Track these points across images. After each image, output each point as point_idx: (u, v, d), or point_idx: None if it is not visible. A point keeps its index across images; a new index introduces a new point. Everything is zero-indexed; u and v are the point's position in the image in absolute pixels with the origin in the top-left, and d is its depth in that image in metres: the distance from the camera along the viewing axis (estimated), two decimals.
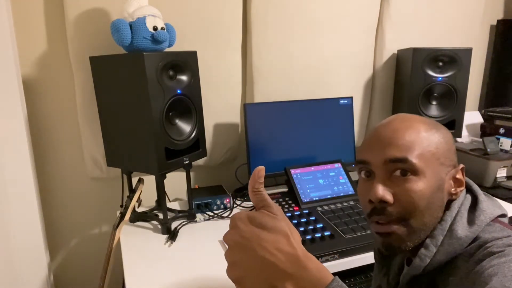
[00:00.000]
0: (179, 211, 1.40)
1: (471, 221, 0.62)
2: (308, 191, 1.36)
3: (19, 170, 1.27)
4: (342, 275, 1.16)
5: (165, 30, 1.22)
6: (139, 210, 1.42)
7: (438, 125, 0.66)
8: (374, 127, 0.68)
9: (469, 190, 0.68)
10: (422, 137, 0.62)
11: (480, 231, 0.60)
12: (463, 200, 0.65)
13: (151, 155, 1.18)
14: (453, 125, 1.71)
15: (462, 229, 0.61)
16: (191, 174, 1.65)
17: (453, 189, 0.65)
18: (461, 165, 0.67)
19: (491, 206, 0.64)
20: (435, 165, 0.62)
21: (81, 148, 1.46)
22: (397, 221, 0.62)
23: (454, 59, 1.66)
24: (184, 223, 1.34)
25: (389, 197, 0.62)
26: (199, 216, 1.40)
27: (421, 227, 0.62)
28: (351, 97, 1.68)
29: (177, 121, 1.26)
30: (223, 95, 1.58)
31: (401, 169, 0.61)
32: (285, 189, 1.46)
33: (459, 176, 0.66)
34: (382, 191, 0.62)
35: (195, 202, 1.41)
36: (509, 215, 1.40)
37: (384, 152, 0.63)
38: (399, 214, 0.62)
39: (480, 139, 1.81)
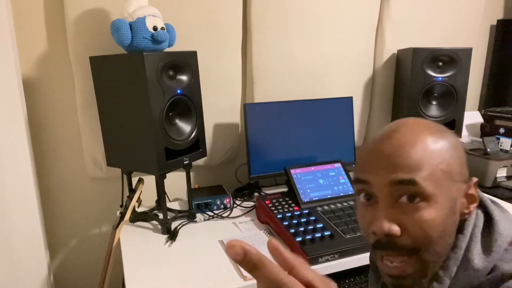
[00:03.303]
0: (179, 211, 1.40)
1: (487, 247, 0.54)
2: (308, 191, 1.36)
3: (19, 170, 1.26)
4: (342, 275, 1.16)
5: (165, 30, 1.22)
6: (139, 210, 1.42)
7: (446, 132, 0.57)
8: (374, 139, 0.58)
9: (479, 204, 0.60)
10: (431, 152, 0.53)
11: (498, 260, 0.53)
12: (476, 220, 0.57)
13: (151, 155, 1.18)
14: (453, 125, 1.71)
15: (479, 259, 0.53)
16: (191, 174, 1.65)
17: (465, 209, 0.57)
18: (474, 179, 0.58)
19: (507, 225, 0.56)
20: (447, 185, 0.53)
21: (81, 148, 1.46)
22: (407, 255, 0.54)
23: (454, 59, 1.66)
24: (184, 223, 1.34)
25: (396, 229, 0.53)
26: (199, 216, 1.40)
27: (435, 259, 0.55)
28: (351, 97, 1.68)
29: (177, 121, 1.26)
30: (223, 95, 1.58)
31: (409, 193, 0.53)
32: (285, 189, 1.46)
33: (471, 191, 0.57)
34: (388, 224, 0.53)
35: (195, 202, 1.41)
36: None
37: (388, 173, 0.53)
38: (408, 247, 0.54)
39: (480, 139, 1.81)
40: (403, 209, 0.53)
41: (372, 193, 0.57)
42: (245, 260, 0.34)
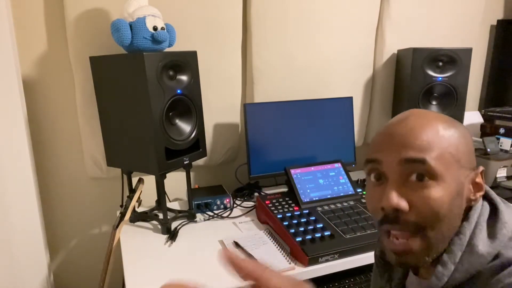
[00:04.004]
0: (179, 211, 1.40)
1: (492, 235, 0.56)
2: (308, 191, 1.36)
3: (19, 170, 1.26)
4: (342, 275, 1.16)
5: (165, 30, 1.22)
6: (139, 210, 1.42)
7: (457, 123, 0.60)
8: (386, 124, 0.61)
9: (485, 197, 0.62)
10: (441, 137, 0.56)
11: (502, 247, 0.54)
12: (481, 210, 0.59)
13: (151, 155, 1.18)
14: None
15: (483, 245, 0.55)
16: (191, 174, 1.65)
17: (472, 195, 0.59)
18: (481, 168, 0.60)
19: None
20: (455, 168, 0.56)
21: (81, 148, 1.46)
22: (413, 231, 0.56)
23: (454, 59, 1.66)
24: (184, 223, 1.34)
25: (404, 204, 0.55)
26: (199, 216, 1.40)
27: (439, 239, 0.56)
28: (351, 97, 1.68)
29: (177, 121, 1.26)
30: (223, 95, 1.58)
31: (418, 172, 0.55)
32: (285, 189, 1.46)
33: (478, 180, 0.59)
34: (397, 198, 0.55)
35: (195, 202, 1.41)
36: None
37: (399, 152, 0.56)
38: (415, 224, 0.55)
39: (480, 139, 1.80)
40: (412, 187, 0.55)
41: (382, 172, 0.58)
42: (231, 263, 0.41)
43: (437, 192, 0.54)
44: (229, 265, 0.41)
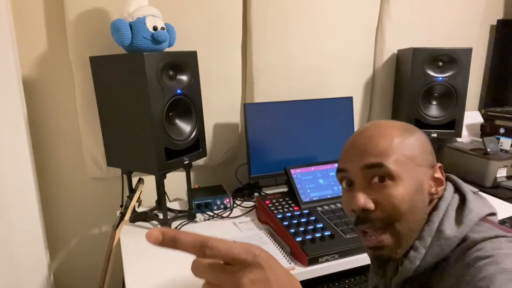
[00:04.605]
0: (179, 211, 1.40)
1: (459, 220, 0.62)
2: (308, 191, 1.36)
3: (19, 170, 1.26)
4: (342, 275, 1.16)
5: (165, 30, 1.22)
6: (139, 210, 1.42)
7: (411, 128, 0.68)
8: (351, 136, 0.70)
9: (457, 189, 0.68)
10: (397, 142, 0.64)
11: (469, 231, 0.60)
12: (451, 200, 0.65)
13: (151, 155, 1.18)
14: (453, 125, 1.71)
15: (450, 229, 0.61)
16: (191, 174, 1.65)
17: (433, 189, 0.65)
18: (439, 164, 0.67)
19: (479, 205, 0.64)
20: (411, 168, 0.63)
21: (81, 148, 1.46)
22: (383, 228, 0.63)
23: (454, 59, 1.66)
24: (184, 223, 1.34)
25: (370, 204, 0.62)
26: (199, 216, 1.40)
27: (407, 232, 0.63)
28: (351, 97, 1.68)
29: (177, 121, 1.26)
30: (223, 95, 1.58)
31: (379, 175, 0.62)
32: (285, 189, 1.46)
33: (437, 175, 0.66)
34: (363, 199, 0.63)
35: (195, 202, 1.41)
36: (507, 215, 1.40)
37: (360, 159, 0.64)
38: (383, 220, 0.62)
39: (480, 139, 1.81)
40: (376, 188, 0.63)
41: (350, 179, 0.67)
42: (164, 239, 0.36)
43: (397, 190, 0.61)
44: (163, 243, 0.37)
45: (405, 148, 0.64)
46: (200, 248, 0.37)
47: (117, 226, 1.26)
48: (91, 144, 1.42)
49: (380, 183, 0.62)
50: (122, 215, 1.27)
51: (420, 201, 0.63)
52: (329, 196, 1.36)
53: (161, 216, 1.32)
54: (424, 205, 0.64)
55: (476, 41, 2.02)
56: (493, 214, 0.66)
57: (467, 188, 0.68)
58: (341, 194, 1.37)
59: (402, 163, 0.62)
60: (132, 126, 1.21)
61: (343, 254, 1.10)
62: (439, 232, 0.62)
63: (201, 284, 0.44)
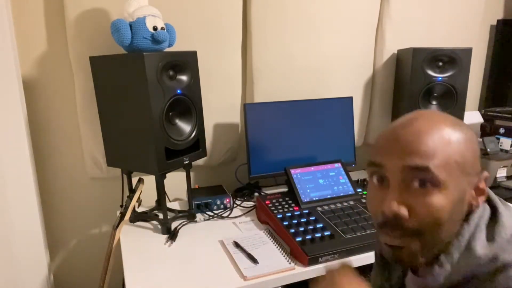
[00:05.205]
0: (179, 211, 1.40)
1: (490, 237, 0.55)
2: (308, 191, 1.36)
3: (19, 170, 1.26)
4: None
5: (165, 30, 1.22)
6: (139, 210, 1.42)
7: (463, 126, 0.58)
8: (392, 126, 0.60)
9: (486, 199, 0.61)
10: (447, 143, 0.54)
11: (499, 250, 0.53)
12: (482, 212, 0.58)
13: (151, 155, 1.18)
14: None
15: (481, 247, 0.54)
16: (191, 174, 1.65)
17: (474, 200, 0.58)
18: (485, 173, 0.60)
19: (511, 219, 0.57)
20: (459, 176, 0.55)
21: (81, 148, 1.46)
22: (411, 235, 0.56)
23: (454, 59, 1.66)
24: (184, 223, 1.34)
25: (405, 212, 0.55)
26: (199, 216, 1.40)
27: (436, 243, 0.56)
28: (351, 97, 1.68)
29: (177, 121, 1.26)
30: (223, 95, 1.58)
31: (421, 179, 0.54)
32: (285, 189, 1.46)
33: (482, 185, 0.59)
34: (398, 206, 0.55)
35: (195, 202, 1.41)
36: None
37: (403, 158, 0.55)
38: (414, 229, 0.55)
39: (480, 139, 1.80)
40: (414, 193, 0.55)
41: (384, 176, 0.58)
42: None
43: (439, 200, 0.53)
44: None
45: (457, 151, 0.55)
46: None
47: (117, 226, 1.26)
48: (91, 144, 1.42)
49: (420, 188, 0.54)
50: (122, 215, 1.27)
51: (459, 213, 0.56)
52: (329, 196, 1.36)
53: (161, 216, 1.32)
54: (461, 217, 0.57)
55: (476, 41, 2.02)
56: None
57: (497, 198, 0.62)
58: (341, 194, 1.39)
59: (450, 169, 0.54)
60: (132, 126, 1.21)
61: (343, 254, 1.10)
62: (469, 249, 0.55)
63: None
